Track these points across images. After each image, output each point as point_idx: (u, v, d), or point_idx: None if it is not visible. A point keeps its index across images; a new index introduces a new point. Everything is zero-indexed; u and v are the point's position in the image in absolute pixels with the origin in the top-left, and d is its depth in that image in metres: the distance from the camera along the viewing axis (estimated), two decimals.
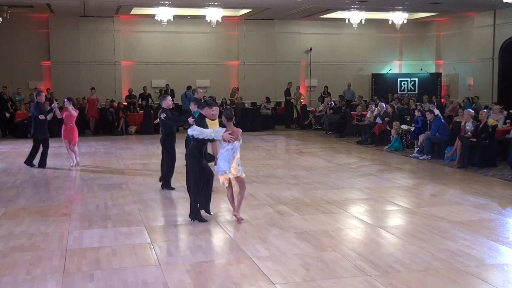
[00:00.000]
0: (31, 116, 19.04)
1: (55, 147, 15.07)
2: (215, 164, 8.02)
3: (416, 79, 24.60)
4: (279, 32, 24.21)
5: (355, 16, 21.53)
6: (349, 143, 17.51)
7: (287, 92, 22.71)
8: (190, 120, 8.52)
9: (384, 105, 17.59)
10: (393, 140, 15.51)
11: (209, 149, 9.07)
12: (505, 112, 15.42)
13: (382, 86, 24.63)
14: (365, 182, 10.97)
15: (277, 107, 23.31)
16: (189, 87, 21.41)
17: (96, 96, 20.90)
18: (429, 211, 8.55)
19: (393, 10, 21.38)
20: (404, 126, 16.07)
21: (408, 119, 16.57)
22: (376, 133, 16.75)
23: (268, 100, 22.76)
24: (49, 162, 12.93)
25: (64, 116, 12.81)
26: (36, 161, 12.87)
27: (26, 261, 6.27)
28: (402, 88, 24.55)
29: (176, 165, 10.33)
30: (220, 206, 8.91)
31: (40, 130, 12.63)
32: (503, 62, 21.24)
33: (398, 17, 21.76)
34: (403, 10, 21.31)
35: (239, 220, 7.86)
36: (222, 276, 5.85)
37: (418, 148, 14.43)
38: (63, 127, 12.83)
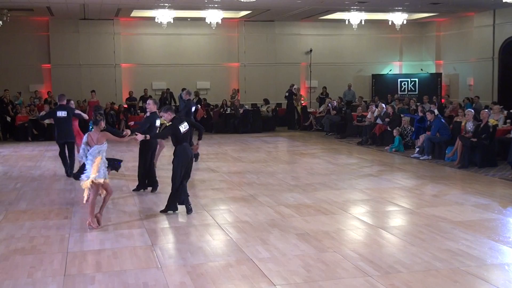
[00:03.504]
0: (31, 119, 19.22)
1: (56, 149, 15.02)
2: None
3: (416, 79, 24.59)
4: (279, 33, 24.23)
5: (355, 17, 21.55)
6: (350, 144, 17.51)
7: (291, 94, 22.55)
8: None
9: (384, 106, 17.59)
10: (396, 142, 15.49)
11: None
12: (505, 112, 15.41)
13: (382, 86, 24.62)
14: (366, 183, 10.96)
15: (277, 108, 23.29)
16: (183, 89, 21.44)
17: (97, 99, 20.87)
18: (430, 211, 8.55)
19: (393, 10, 21.39)
20: (407, 117, 16.12)
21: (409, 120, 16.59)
22: (376, 133, 16.75)
23: (266, 101, 22.71)
24: (50, 165, 12.93)
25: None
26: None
27: (27, 264, 6.28)
28: (403, 88, 24.55)
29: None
30: (220, 208, 8.92)
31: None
32: (503, 62, 21.23)
33: (398, 18, 21.78)
34: (402, 10, 21.32)
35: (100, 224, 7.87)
36: (222, 277, 5.84)
37: (418, 149, 14.42)
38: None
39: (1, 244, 7.05)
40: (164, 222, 8.14)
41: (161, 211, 8.59)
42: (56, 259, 6.43)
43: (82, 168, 8.57)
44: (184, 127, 8.31)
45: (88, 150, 7.80)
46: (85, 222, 8.05)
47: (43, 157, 14.82)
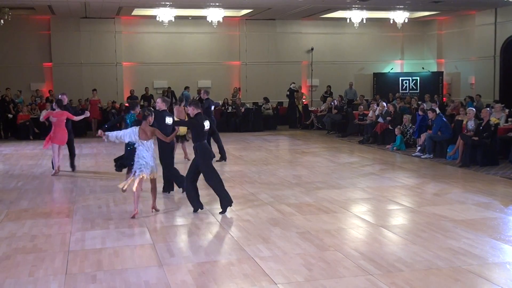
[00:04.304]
0: (33, 118, 19.21)
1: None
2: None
3: (418, 78, 24.58)
4: (280, 32, 24.21)
5: (356, 16, 21.52)
6: (351, 142, 17.50)
7: (292, 92, 22.57)
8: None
9: (385, 104, 17.58)
10: (397, 140, 15.47)
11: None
12: (506, 110, 15.40)
13: (383, 85, 24.62)
14: (367, 182, 10.96)
15: (278, 107, 23.28)
16: (186, 87, 21.56)
17: (98, 98, 20.92)
18: (431, 210, 8.55)
19: (394, 9, 21.37)
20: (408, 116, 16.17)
21: (410, 118, 16.59)
22: (378, 132, 16.74)
23: (266, 100, 22.70)
24: (51, 163, 12.90)
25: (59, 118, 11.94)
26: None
27: (29, 262, 6.28)
28: (404, 87, 24.53)
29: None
30: None
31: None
32: (505, 60, 21.22)
33: (399, 16, 21.75)
34: (404, 9, 21.29)
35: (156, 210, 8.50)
36: (224, 276, 5.84)
37: (420, 147, 14.41)
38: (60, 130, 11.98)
39: (3, 243, 7.06)
40: (165, 221, 8.14)
41: (220, 213, 8.38)
42: (58, 258, 6.44)
43: (128, 160, 9.06)
44: (207, 125, 8.31)
45: (128, 141, 8.37)
46: (88, 219, 8.10)
47: (44, 155, 14.82)
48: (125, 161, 10.33)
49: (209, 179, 8.37)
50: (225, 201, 8.41)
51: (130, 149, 9.71)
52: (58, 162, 12.08)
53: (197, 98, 14.84)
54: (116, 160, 10.82)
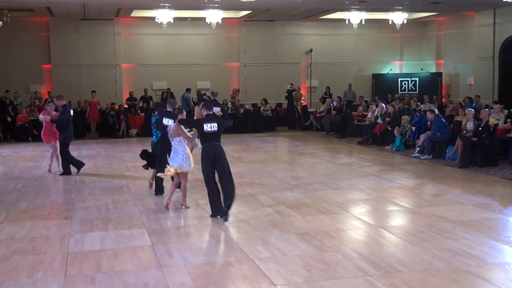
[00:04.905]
0: (32, 120, 19.19)
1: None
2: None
3: (417, 79, 24.58)
4: (279, 33, 24.21)
5: (355, 17, 21.54)
6: (350, 143, 17.50)
7: (290, 93, 22.62)
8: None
9: (384, 105, 17.59)
10: (396, 141, 15.47)
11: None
12: (505, 111, 15.41)
13: (382, 86, 24.62)
14: (366, 183, 10.96)
15: (278, 108, 23.29)
16: (188, 89, 21.55)
17: (97, 99, 20.90)
18: (430, 211, 8.55)
19: (393, 10, 21.38)
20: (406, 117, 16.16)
21: (409, 119, 16.61)
22: (377, 133, 16.75)
23: (265, 101, 22.69)
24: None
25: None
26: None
27: (28, 264, 6.28)
28: (403, 88, 24.55)
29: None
30: None
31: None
32: (504, 61, 21.22)
33: (398, 17, 21.77)
34: (403, 10, 21.31)
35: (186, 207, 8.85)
36: (223, 277, 5.85)
37: (419, 148, 14.42)
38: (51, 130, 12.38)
39: (2, 245, 7.06)
40: (164, 222, 8.14)
41: (211, 216, 8.30)
42: (57, 260, 6.43)
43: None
44: (210, 126, 8.21)
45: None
46: (87, 221, 8.10)
47: (43, 157, 14.82)
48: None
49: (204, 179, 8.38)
50: (212, 208, 8.32)
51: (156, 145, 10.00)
52: (50, 163, 12.65)
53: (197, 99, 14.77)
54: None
